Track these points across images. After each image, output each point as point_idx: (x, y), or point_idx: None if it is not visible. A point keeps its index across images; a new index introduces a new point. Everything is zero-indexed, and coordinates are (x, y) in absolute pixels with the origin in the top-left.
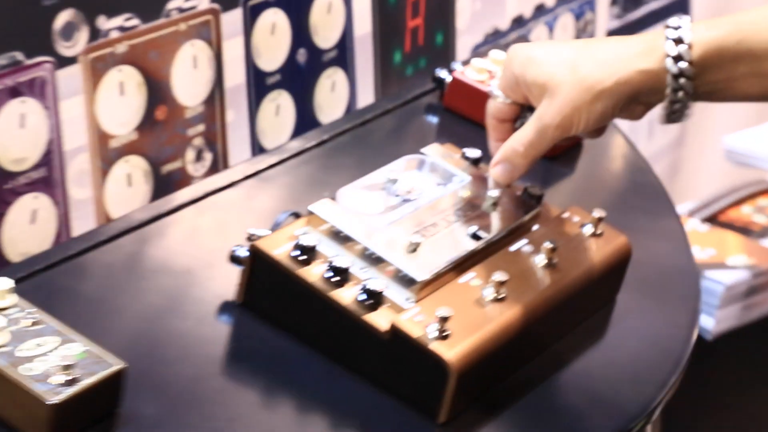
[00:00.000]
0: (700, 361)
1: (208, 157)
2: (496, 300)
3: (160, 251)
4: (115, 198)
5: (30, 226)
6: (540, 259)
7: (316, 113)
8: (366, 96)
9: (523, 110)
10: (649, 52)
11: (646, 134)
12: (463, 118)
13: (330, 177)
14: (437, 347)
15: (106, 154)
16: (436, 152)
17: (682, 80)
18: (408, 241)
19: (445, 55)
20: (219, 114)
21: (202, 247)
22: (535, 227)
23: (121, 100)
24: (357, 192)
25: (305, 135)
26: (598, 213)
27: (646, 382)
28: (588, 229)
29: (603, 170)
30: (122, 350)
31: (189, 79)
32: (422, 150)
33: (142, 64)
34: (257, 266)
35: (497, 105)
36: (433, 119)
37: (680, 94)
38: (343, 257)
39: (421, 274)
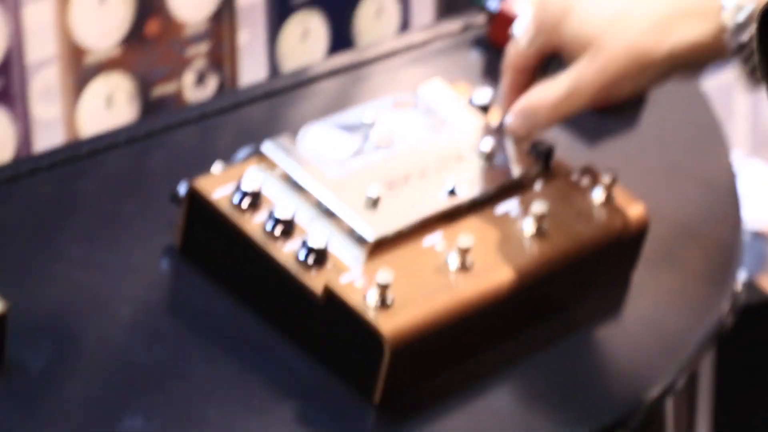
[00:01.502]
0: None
1: (212, 81)
2: (461, 269)
3: (116, 180)
4: (90, 119)
5: None
6: (527, 225)
7: (356, 39)
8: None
9: (549, 60)
10: (707, 9)
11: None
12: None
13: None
14: (373, 317)
15: (81, 70)
16: (436, 92)
17: (744, 37)
18: (366, 195)
19: None
20: (228, 33)
21: (169, 178)
22: (537, 188)
23: (102, 10)
24: (325, 132)
25: (334, 56)
26: (608, 176)
27: (647, 366)
28: (598, 194)
29: (668, 133)
30: (32, 289)
31: None
32: (419, 88)
33: None
34: (194, 209)
35: (520, 50)
36: (475, 55)
37: (745, 53)
38: (286, 207)
39: (372, 233)
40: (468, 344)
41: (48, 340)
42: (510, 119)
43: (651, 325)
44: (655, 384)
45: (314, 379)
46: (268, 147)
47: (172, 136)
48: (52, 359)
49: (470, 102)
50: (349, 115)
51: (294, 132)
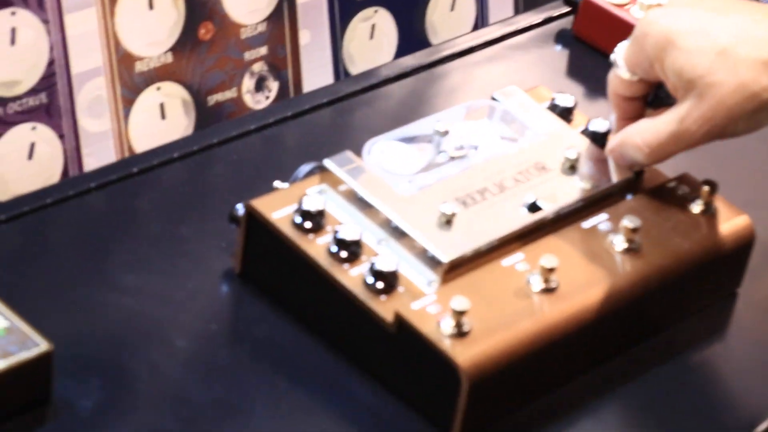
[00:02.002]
0: None
1: (273, 86)
2: (545, 291)
3: (170, 198)
4: (143, 131)
5: (27, 162)
6: (618, 241)
7: (428, 36)
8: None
9: (656, 89)
10: None
11: None
12: (595, 50)
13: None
14: (449, 346)
15: (130, 80)
16: (513, 97)
17: None
18: (440, 212)
19: None
20: (289, 34)
21: (228, 195)
22: (628, 200)
23: (152, 14)
24: (393, 145)
25: (404, 57)
26: (707, 185)
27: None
28: (696, 205)
29: None
30: (81, 321)
31: None
32: (495, 94)
33: None
34: (253, 231)
35: (621, 79)
36: (558, 49)
37: None
38: (352, 227)
39: (447, 254)
40: (554, 374)
41: (98, 378)
42: (608, 152)
43: (762, 346)
44: (762, 418)
45: (387, 414)
46: (331, 163)
47: (231, 148)
48: (102, 398)
49: (551, 108)
50: (419, 126)
51: (361, 142)
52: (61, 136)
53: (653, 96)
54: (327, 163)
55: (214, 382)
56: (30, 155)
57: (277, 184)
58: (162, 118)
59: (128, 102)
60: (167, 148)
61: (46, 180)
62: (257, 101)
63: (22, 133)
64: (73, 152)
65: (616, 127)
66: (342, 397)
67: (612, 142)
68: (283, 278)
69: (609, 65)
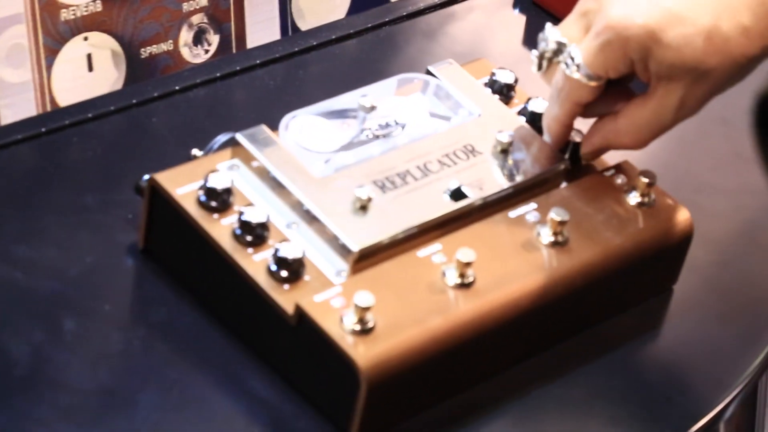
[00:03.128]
0: None
1: (214, 40)
2: (460, 286)
3: (82, 161)
4: (68, 84)
5: None
6: (545, 234)
7: None
8: None
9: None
10: None
11: None
12: (552, 17)
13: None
14: (349, 345)
15: (54, 28)
16: (450, 71)
17: None
18: (355, 196)
19: None
20: None
21: (145, 163)
22: (561, 188)
23: None
24: (313, 120)
25: (361, 14)
26: (647, 176)
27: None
28: (633, 197)
29: (727, 118)
30: None
31: None
32: (430, 67)
33: None
34: (156, 205)
35: (584, 87)
36: (516, 13)
37: None
38: (257, 209)
39: (358, 242)
40: (466, 374)
41: None
42: (587, 152)
43: (697, 346)
44: (700, 415)
45: (285, 411)
46: (242, 137)
47: (155, 108)
48: None
49: (489, 84)
50: (345, 100)
51: (299, 108)
52: None
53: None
54: (239, 137)
55: (101, 368)
56: None
57: (195, 152)
58: (89, 70)
59: (52, 52)
60: (85, 104)
61: None
62: (195, 55)
63: None
64: None
65: (550, 124)
66: (239, 391)
67: (589, 146)
68: (185, 258)
69: None
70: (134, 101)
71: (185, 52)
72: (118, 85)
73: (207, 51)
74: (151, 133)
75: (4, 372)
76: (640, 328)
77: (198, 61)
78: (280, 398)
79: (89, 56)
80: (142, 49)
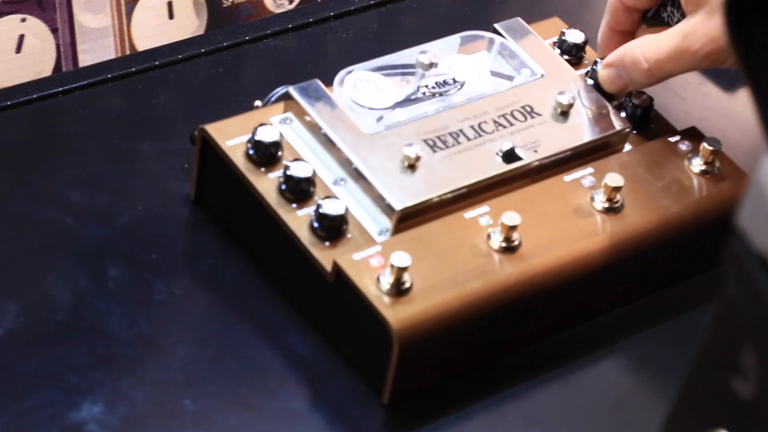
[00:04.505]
0: None
1: None
2: (504, 249)
3: (154, 103)
4: (148, 32)
5: (15, 56)
6: (599, 199)
7: None
8: None
9: (661, 3)
10: None
11: None
12: None
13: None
14: (384, 305)
15: None
16: (517, 29)
17: None
18: (403, 154)
19: None
20: None
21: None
22: (624, 152)
23: None
24: (370, 75)
25: None
26: (712, 143)
27: None
28: (697, 164)
29: None
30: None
31: None
32: (497, 25)
33: None
34: (206, 157)
35: None
36: None
37: None
38: (303, 164)
39: (402, 201)
40: (503, 341)
41: (14, 302)
42: (603, 70)
43: None
44: None
45: (320, 368)
46: (295, 91)
47: (230, 56)
48: (14, 325)
49: (558, 44)
50: (404, 56)
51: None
52: (54, 30)
53: (654, 12)
54: (291, 90)
55: (140, 317)
56: (18, 48)
57: (257, 103)
58: (170, 18)
59: None
60: (154, 51)
61: (36, 75)
62: (279, 5)
63: (11, 24)
64: (67, 47)
65: (602, 42)
66: (275, 346)
67: (610, 56)
68: (233, 210)
69: None
70: (203, 50)
71: (268, 2)
72: (200, 34)
73: (291, 1)
74: (218, 83)
75: (45, 316)
76: (692, 303)
77: (281, 11)
78: (316, 356)
79: (170, 4)
80: None
